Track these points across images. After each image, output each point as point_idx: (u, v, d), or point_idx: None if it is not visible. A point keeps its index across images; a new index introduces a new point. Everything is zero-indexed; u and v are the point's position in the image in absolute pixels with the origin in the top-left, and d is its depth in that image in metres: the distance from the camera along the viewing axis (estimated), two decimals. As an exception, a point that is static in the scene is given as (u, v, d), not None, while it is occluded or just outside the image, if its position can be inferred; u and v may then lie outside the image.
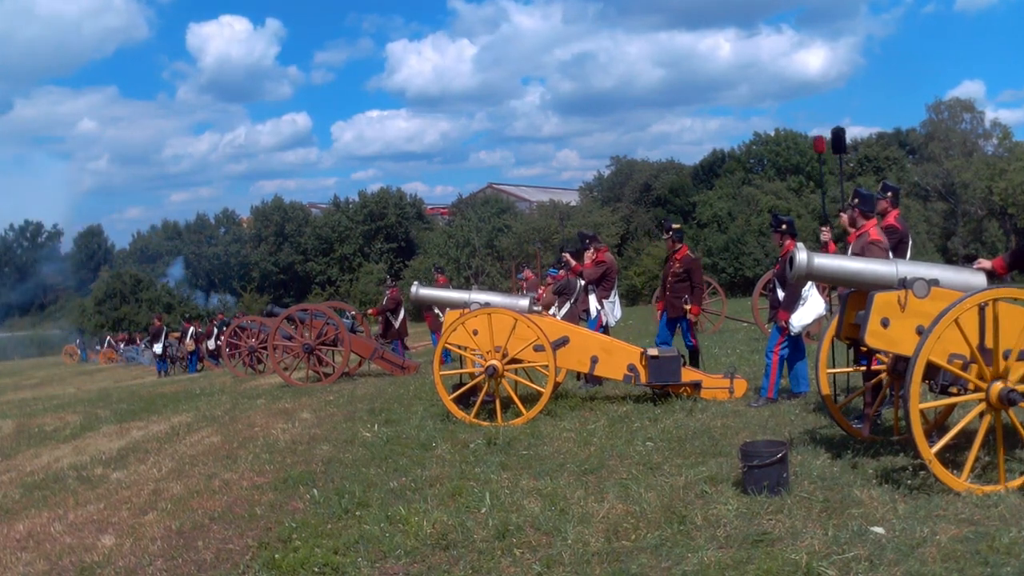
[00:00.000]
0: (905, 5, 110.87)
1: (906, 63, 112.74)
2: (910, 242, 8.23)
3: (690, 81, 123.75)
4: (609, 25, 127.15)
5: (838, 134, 8.42)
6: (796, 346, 9.02)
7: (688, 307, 10.58)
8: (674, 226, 10.98)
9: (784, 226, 9.00)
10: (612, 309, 11.43)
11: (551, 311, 11.70)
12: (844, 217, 7.79)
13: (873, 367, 6.64)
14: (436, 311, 16.57)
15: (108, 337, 47.81)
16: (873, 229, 7.57)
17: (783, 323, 8.82)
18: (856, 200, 7.62)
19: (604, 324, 11.23)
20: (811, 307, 8.71)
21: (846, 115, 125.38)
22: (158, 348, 27.08)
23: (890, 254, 7.29)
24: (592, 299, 11.27)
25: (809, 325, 8.91)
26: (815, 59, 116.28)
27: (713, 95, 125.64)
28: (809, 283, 8.49)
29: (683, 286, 10.66)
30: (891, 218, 8.07)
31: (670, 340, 10.82)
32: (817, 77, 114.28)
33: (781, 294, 9.10)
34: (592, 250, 11.43)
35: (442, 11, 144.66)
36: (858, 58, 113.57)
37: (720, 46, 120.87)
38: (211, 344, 26.97)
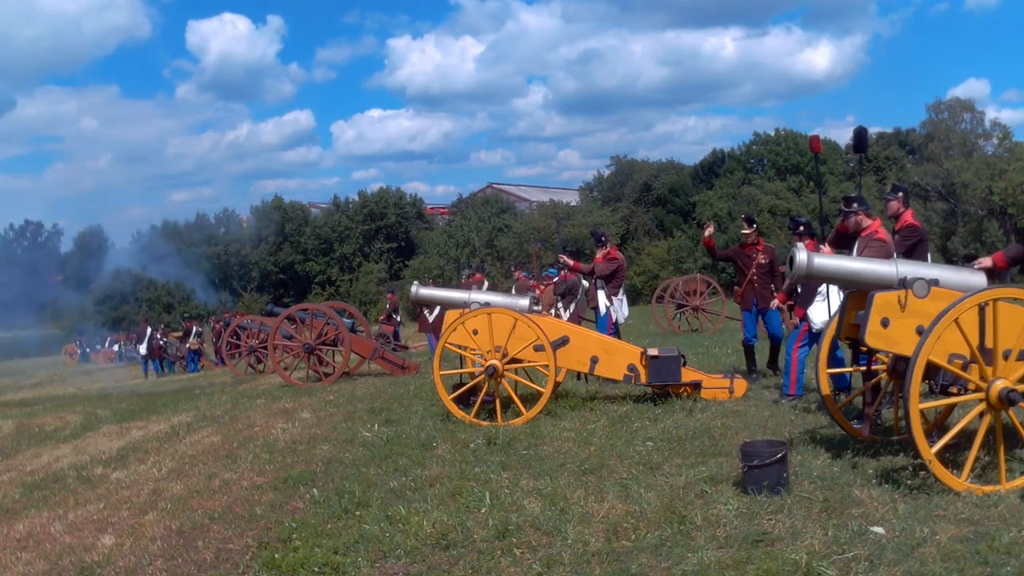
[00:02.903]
0: (915, 5, 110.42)
1: (912, 62, 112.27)
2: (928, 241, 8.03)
3: (694, 80, 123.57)
4: (614, 24, 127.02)
5: (860, 133, 8.26)
6: (813, 344, 8.93)
7: (776, 295, 10.66)
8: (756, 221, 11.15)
9: (802, 228, 9.03)
10: (620, 307, 11.53)
11: (553, 311, 11.77)
12: (854, 220, 7.70)
13: (872, 367, 6.63)
14: (426, 311, 17.19)
15: (109, 337, 47.81)
16: (881, 229, 7.56)
17: (798, 319, 8.82)
18: (854, 205, 7.60)
19: (615, 321, 11.28)
20: (833, 303, 8.64)
21: (850, 114, 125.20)
22: (143, 348, 27.50)
23: (894, 254, 7.26)
24: (601, 296, 11.30)
25: (831, 321, 8.82)
26: (820, 58, 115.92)
27: (717, 94, 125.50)
28: None
29: (768, 277, 10.74)
30: (909, 216, 7.85)
31: (756, 334, 10.95)
32: (822, 76, 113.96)
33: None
34: (606, 247, 11.60)
35: (445, 7, 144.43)
36: (864, 57, 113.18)
37: (724, 45, 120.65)
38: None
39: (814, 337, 8.88)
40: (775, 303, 10.68)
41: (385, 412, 9.86)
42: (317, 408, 11.22)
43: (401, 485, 6.25)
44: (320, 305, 17.78)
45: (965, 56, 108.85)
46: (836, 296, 8.60)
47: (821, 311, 8.64)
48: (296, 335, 15.64)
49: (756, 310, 10.76)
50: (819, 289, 8.61)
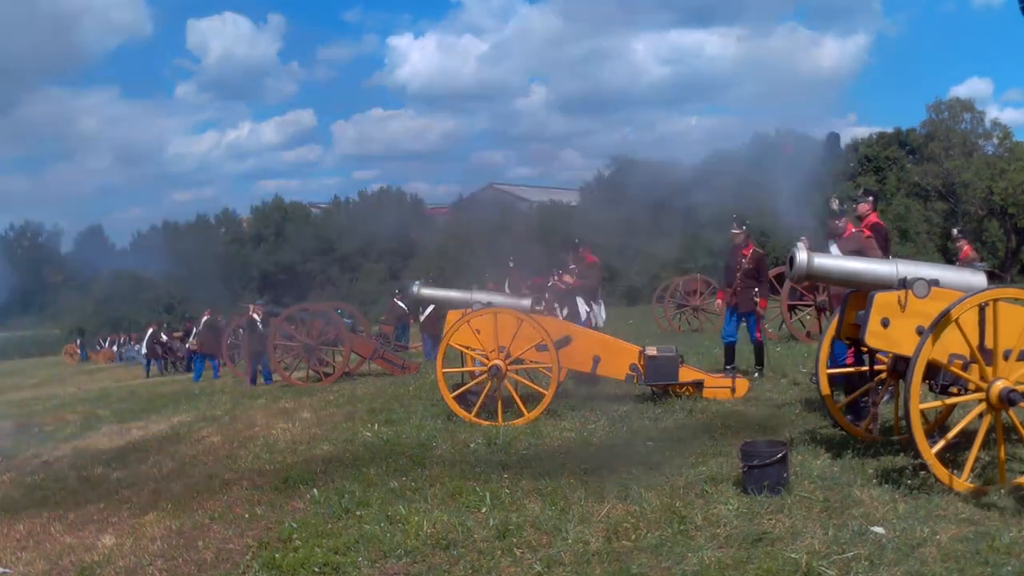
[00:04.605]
0: (920, 4, 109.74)
1: (916, 61, 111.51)
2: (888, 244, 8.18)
3: (696, 79, 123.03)
4: (616, 23, 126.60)
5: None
6: None
7: (757, 300, 10.77)
8: (747, 223, 11.15)
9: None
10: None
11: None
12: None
13: (849, 367, 6.68)
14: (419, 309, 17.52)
15: (110, 337, 47.82)
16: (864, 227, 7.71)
17: None
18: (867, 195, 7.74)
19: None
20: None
21: (852, 113, 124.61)
22: (143, 348, 28.12)
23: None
24: (580, 301, 11.30)
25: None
26: (824, 57, 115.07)
27: (718, 93, 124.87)
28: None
29: (753, 281, 10.82)
30: (874, 218, 8.03)
31: (735, 334, 11.07)
32: (825, 75, 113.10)
33: None
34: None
35: (446, 5, 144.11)
36: (867, 57, 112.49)
37: (727, 44, 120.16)
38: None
39: None
40: (759, 309, 10.87)
41: (385, 412, 9.86)
42: (317, 408, 11.23)
43: (401, 485, 6.24)
44: (320, 305, 17.79)
45: (968, 55, 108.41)
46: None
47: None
48: (296, 335, 15.64)
49: (738, 312, 11.00)
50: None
